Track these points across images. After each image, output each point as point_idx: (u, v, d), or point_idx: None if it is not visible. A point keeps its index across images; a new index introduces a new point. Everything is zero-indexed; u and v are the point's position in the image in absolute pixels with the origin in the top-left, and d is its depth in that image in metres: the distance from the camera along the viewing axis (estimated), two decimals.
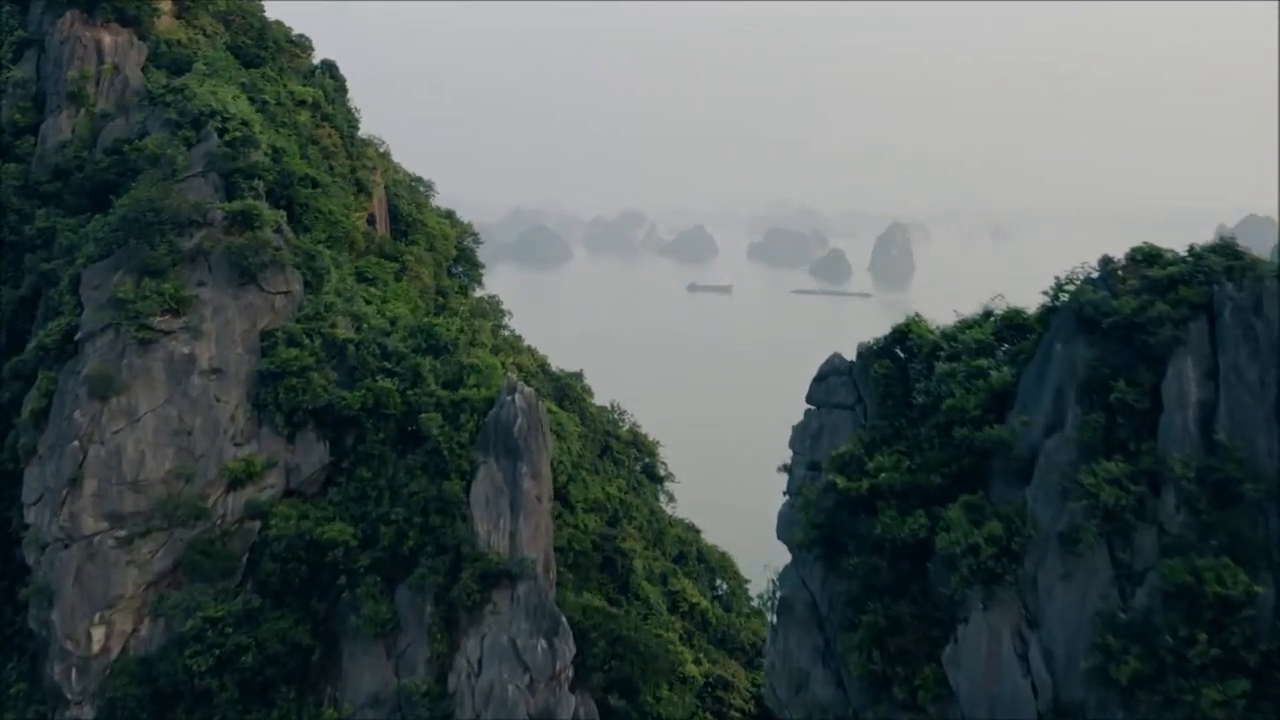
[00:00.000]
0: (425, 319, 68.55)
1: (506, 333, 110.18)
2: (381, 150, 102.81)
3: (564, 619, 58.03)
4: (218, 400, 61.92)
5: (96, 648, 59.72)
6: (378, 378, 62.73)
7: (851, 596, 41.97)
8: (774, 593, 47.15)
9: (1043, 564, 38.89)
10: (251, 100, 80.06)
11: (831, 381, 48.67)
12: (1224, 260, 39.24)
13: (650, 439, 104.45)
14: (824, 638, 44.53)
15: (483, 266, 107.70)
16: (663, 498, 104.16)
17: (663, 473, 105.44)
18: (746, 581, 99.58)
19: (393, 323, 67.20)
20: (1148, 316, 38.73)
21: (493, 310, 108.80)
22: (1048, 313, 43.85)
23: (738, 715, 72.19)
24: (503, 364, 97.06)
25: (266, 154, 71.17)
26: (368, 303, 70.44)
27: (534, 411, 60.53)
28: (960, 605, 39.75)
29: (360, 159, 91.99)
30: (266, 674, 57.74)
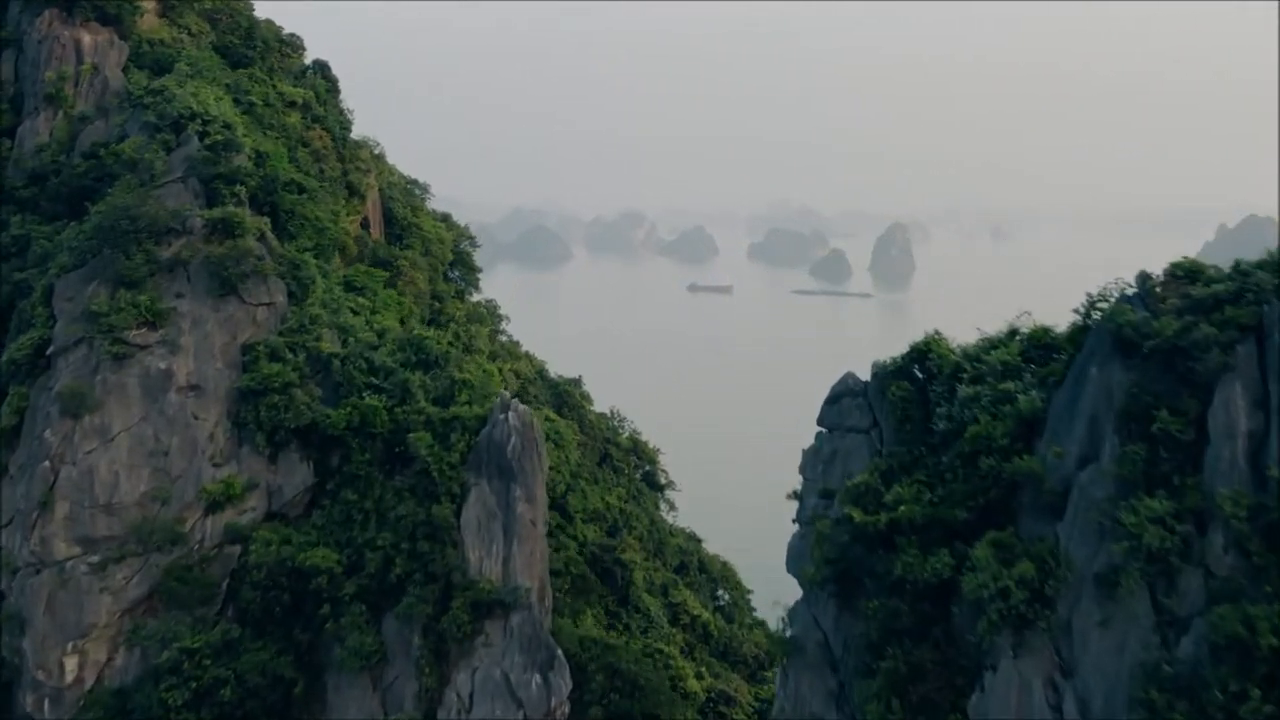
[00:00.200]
0: (415, 331, 65.43)
1: (504, 338, 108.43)
2: (376, 152, 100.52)
3: (559, 652, 54.98)
4: (196, 418, 58.90)
5: (70, 678, 57.04)
6: (364, 394, 59.67)
7: (869, 640, 38.85)
8: (784, 630, 44.04)
9: (1078, 608, 35.79)
10: (237, 102, 77.17)
11: (845, 403, 45.53)
12: (1273, 278, 36.06)
13: (650, 446, 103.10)
14: (837, 680, 41.46)
15: (479, 270, 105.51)
16: (663, 506, 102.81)
17: (663, 480, 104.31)
18: (749, 592, 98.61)
19: (380, 335, 64.13)
20: (1192, 339, 35.54)
21: (490, 315, 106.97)
22: (1079, 332, 40.70)
23: None
24: (500, 370, 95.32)
25: (250, 158, 68.04)
26: (355, 313, 67.40)
27: (528, 430, 57.43)
28: (988, 651, 36.64)
29: (353, 161, 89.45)
30: (246, 708, 54.82)
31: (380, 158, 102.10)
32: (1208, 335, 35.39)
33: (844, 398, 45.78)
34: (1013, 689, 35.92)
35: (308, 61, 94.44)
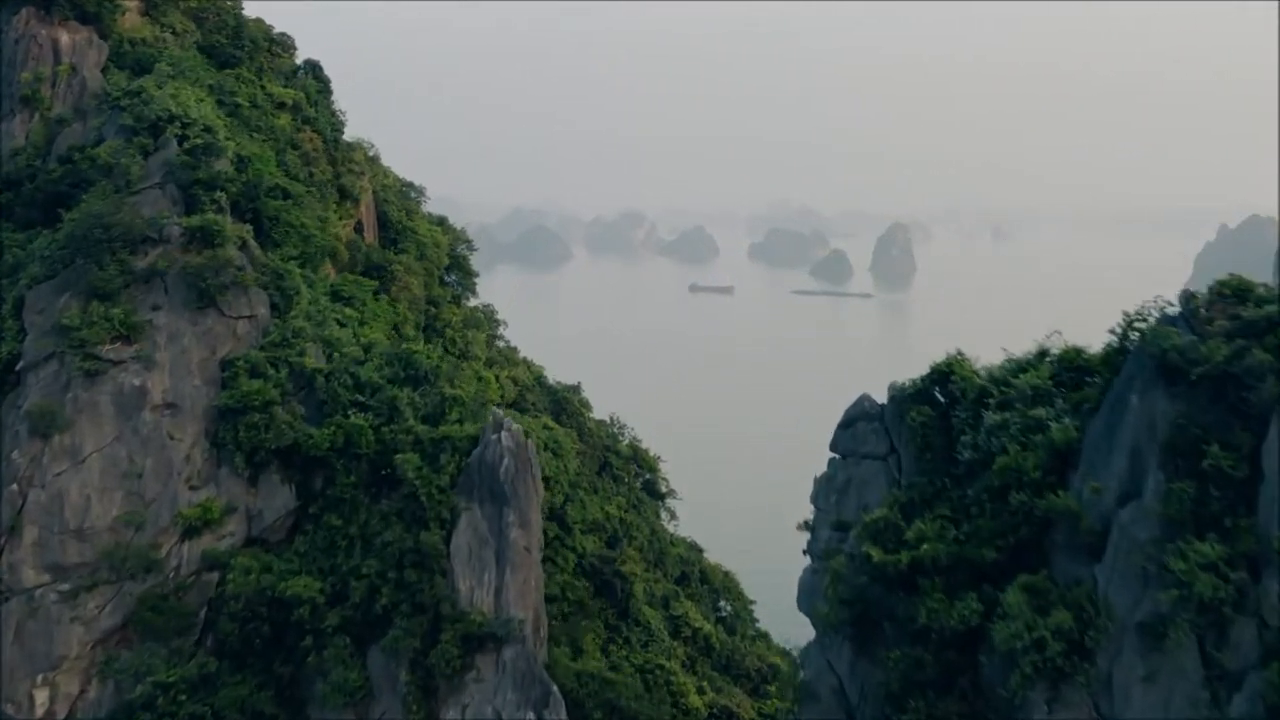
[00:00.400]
0: (404, 345, 62.25)
1: (501, 344, 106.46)
2: (370, 154, 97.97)
3: (555, 688, 51.88)
4: (171, 438, 55.83)
5: (40, 711, 54.14)
6: (349, 413, 56.58)
7: (889, 691, 35.74)
8: (796, 675, 40.94)
9: (1119, 660, 32.72)
10: (222, 103, 74.25)
11: (860, 428, 42.42)
12: None
13: (651, 454, 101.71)
14: None
15: (476, 275, 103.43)
16: (664, 515, 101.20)
17: (664, 489, 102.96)
18: (751, 602, 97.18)
19: (367, 350, 60.97)
20: (1244, 366, 32.47)
21: (487, 320, 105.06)
22: (1115, 354, 37.61)
23: None
24: (496, 378, 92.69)
25: (232, 162, 64.98)
26: (342, 325, 64.28)
27: (522, 451, 54.36)
28: (1020, 706, 33.53)
29: (346, 164, 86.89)
30: None
31: (375, 160, 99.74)
32: (1262, 362, 32.34)
33: (859, 422, 42.68)
34: None
35: (299, 61, 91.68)
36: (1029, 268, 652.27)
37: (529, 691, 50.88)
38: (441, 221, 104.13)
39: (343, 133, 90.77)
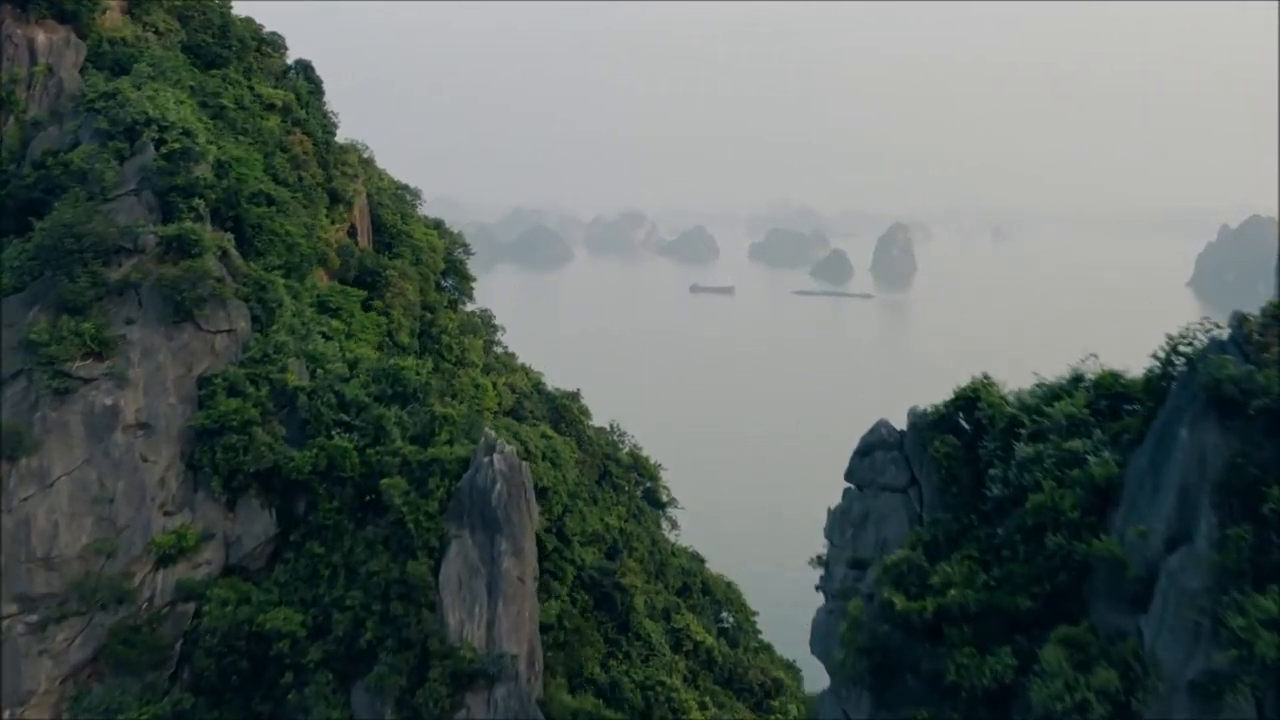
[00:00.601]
0: (392, 360, 59.11)
1: (499, 349, 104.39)
2: (365, 156, 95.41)
3: None
4: (145, 461, 52.79)
5: None
6: (333, 433, 53.50)
7: None
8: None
9: None
10: (205, 105, 71.30)
11: (878, 457, 39.31)
12: None
13: (651, 462, 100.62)
14: None
15: (474, 280, 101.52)
16: (665, 524, 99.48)
17: (665, 498, 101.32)
18: (754, 614, 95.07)
19: (353, 366, 57.82)
20: None
21: (484, 326, 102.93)
22: (1157, 381, 34.50)
23: None
24: (494, 385, 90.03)
25: (212, 167, 61.88)
26: (328, 339, 61.19)
27: (516, 475, 51.29)
28: None
29: (339, 166, 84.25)
30: None
31: (369, 162, 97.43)
32: None
33: (876, 450, 39.56)
34: None
35: (290, 61, 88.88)
36: (1029, 268, 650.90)
37: None
38: (438, 225, 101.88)
39: (335, 134, 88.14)
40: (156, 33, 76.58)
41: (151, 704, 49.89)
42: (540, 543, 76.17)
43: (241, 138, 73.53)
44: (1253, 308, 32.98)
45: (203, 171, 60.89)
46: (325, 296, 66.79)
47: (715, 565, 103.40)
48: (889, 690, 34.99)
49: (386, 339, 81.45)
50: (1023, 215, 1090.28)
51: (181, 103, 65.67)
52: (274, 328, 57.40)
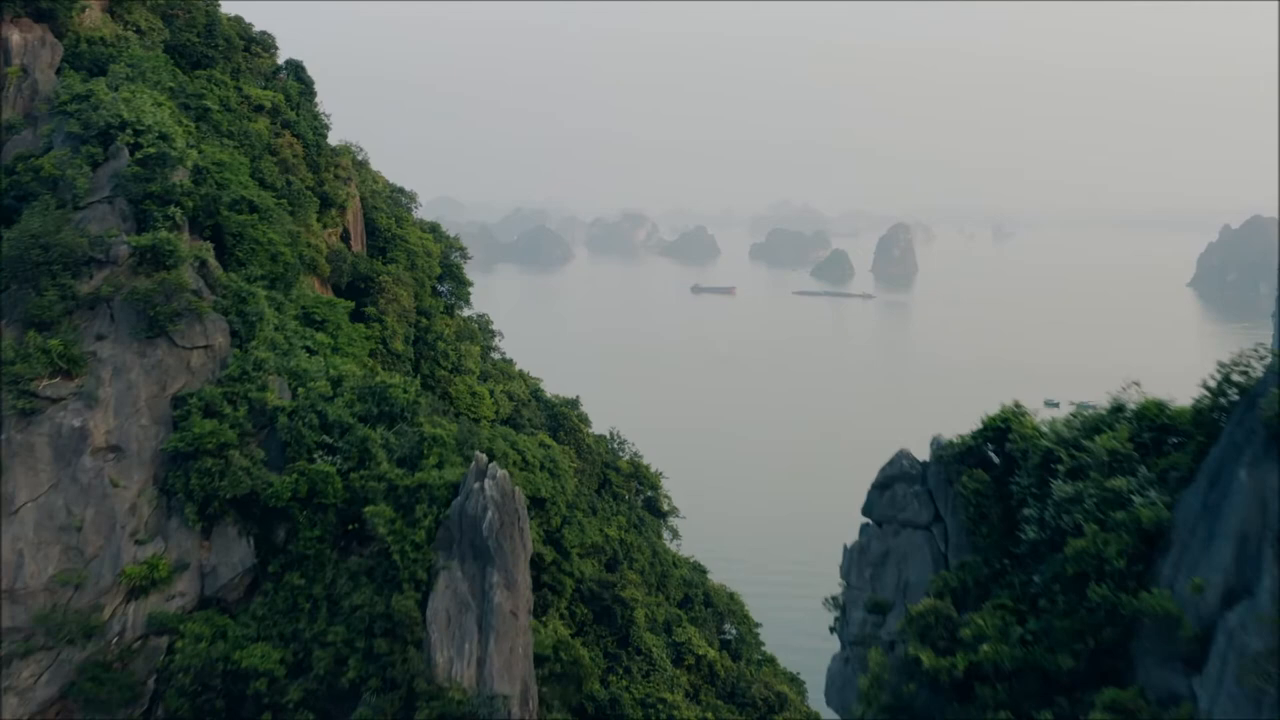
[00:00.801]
0: (378, 378, 55.92)
1: (497, 355, 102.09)
2: (360, 158, 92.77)
3: None
4: (115, 486, 49.60)
5: None
6: (315, 456, 50.34)
7: None
8: None
9: None
10: (187, 108, 68.27)
11: (898, 491, 36.23)
12: None
13: (652, 470, 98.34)
14: None
15: (471, 285, 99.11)
16: (666, 534, 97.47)
17: (666, 507, 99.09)
18: (757, 625, 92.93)
19: (337, 384, 54.61)
20: None
21: (482, 331, 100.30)
22: (1208, 413, 31.44)
23: None
24: (491, 392, 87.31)
25: (190, 173, 58.77)
26: (312, 353, 58.07)
27: (509, 501, 48.15)
28: None
29: (331, 169, 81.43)
30: None
31: (364, 164, 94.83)
32: None
33: (897, 483, 36.48)
34: None
35: (281, 61, 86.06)
36: (1031, 268, 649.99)
37: None
38: (434, 228, 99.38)
39: (327, 136, 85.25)
40: (138, 32, 73.60)
41: None
42: (538, 555, 73.64)
43: (226, 141, 70.73)
44: (1254, 309, 30.00)
45: (180, 178, 57.76)
46: (310, 308, 63.68)
47: (716, 570, 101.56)
48: None
49: (380, 346, 78.66)
50: (1024, 215, 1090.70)
51: (160, 105, 62.59)
52: (254, 343, 54.24)
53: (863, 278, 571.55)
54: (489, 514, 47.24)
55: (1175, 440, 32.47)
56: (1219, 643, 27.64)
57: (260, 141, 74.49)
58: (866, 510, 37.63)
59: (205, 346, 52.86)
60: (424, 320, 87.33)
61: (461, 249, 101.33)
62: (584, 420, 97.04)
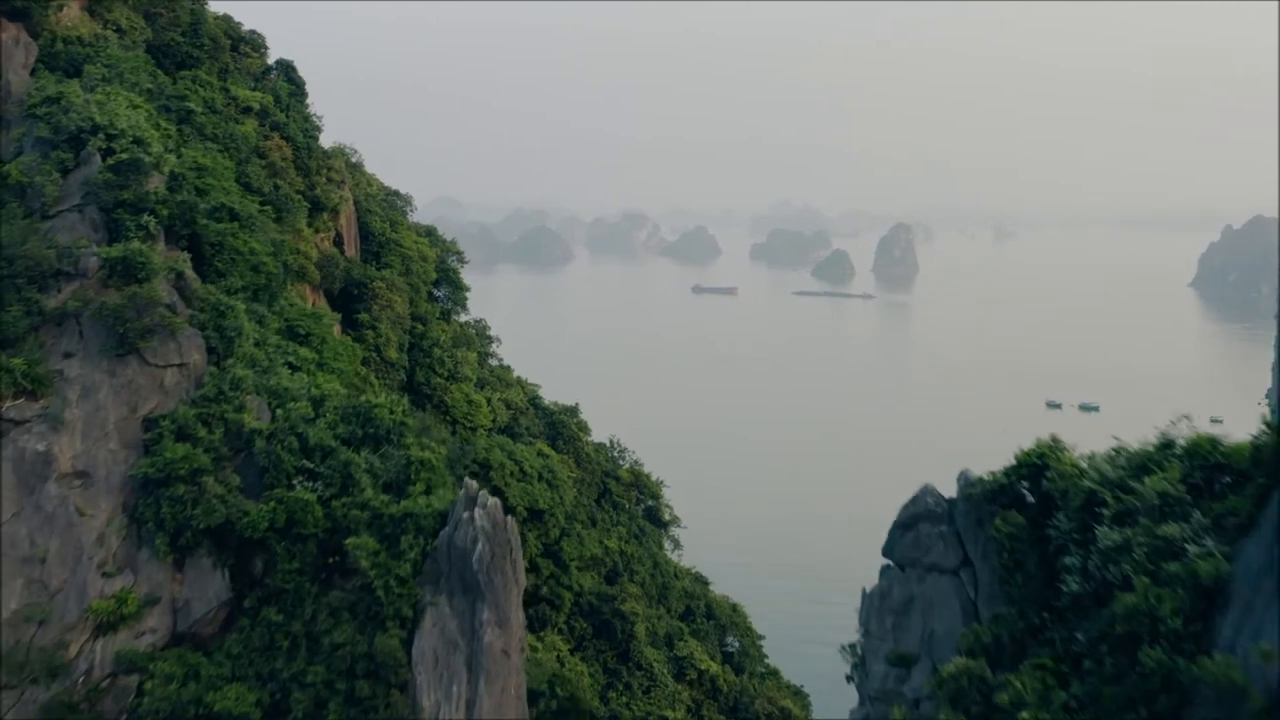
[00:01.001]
0: (363, 398, 52.82)
1: (495, 362, 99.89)
2: (354, 160, 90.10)
3: None
4: (82, 515, 46.43)
5: None
6: (295, 482, 47.22)
7: None
8: None
9: None
10: (168, 110, 65.24)
11: (923, 531, 33.18)
12: None
13: (653, 479, 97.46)
14: None
15: (468, 290, 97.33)
16: (668, 544, 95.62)
17: (667, 516, 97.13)
18: (761, 638, 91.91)
19: (319, 404, 51.49)
20: None
21: (479, 337, 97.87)
22: (1270, 451, 28.34)
23: None
24: (488, 400, 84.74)
25: (166, 180, 55.73)
26: (294, 370, 54.97)
27: (500, 532, 45.09)
28: None
29: (323, 173, 78.65)
30: None
31: (358, 167, 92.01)
32: None
33: (921, 523, 33.43)
34: None
35: (271, 61, 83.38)
36: (1032, 268, 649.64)
37: None
38: (430, 232, 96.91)
39: (318, 138, 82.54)
40: (118, 31, 70.55)
41: None
42: (536, 568, 70.96)
43: (210, 144, 67.74)
44: (1256, 309, 27.01)
45: (154, 185, 54.63)
46: (295, 321, 60.54)
47: (716, 572, 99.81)
48: None
49: (373, 354, 75.95)
50: (1025, 215, 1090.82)
51: (136, 107, 59.50)
52: (232, 360, 51.14)
53: (863, 278, 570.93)
54: (479, 546, 44.17)
55: (1228, 480, 29.41)
56: None
57: (247, 144, 71.63)
58: (887, 551, 34.55)
59: (179, 364, 49.71)
60: (419, 326, 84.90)
61: (458, 253, 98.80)
62: (583, 428, 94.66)
